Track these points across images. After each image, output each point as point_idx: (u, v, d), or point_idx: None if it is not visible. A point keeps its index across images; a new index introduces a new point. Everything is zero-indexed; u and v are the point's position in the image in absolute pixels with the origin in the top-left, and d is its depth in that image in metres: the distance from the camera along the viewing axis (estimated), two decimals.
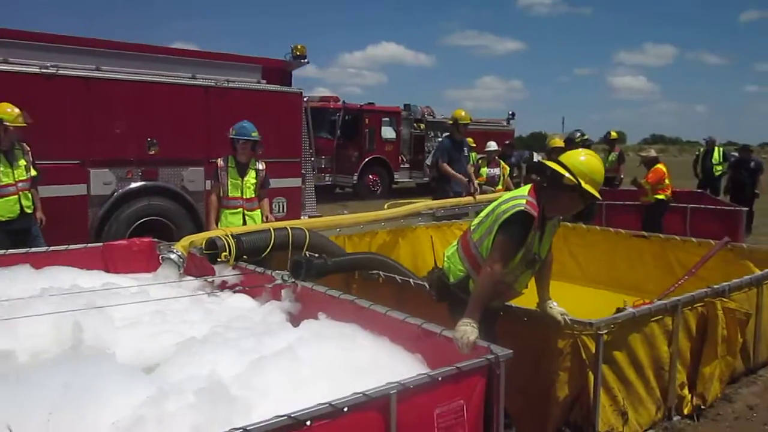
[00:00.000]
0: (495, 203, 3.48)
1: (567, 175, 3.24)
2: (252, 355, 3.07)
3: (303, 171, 8.79)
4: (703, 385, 4.20)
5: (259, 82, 8.31)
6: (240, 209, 5.94)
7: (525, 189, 3.43)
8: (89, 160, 6.98)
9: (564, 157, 3.42)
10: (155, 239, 5.82)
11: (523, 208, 3.26)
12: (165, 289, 4.41)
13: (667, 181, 9.42)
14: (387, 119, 19.06)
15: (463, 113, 9.30)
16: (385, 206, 16.10)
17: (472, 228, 3.56)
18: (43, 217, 6.22)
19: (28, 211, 6.07)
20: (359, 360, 3.07)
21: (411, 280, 4.55)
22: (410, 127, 19.83)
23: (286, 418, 2.14)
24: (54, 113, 6.65)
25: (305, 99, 8.99)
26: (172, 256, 4.97)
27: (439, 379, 2.59)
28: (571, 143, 8.45)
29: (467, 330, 3.00)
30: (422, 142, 19.94)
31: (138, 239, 5.84)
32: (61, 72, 6.73)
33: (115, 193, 7.17)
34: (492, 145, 11.01)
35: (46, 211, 6.28)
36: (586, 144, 9.71)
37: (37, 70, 6.62)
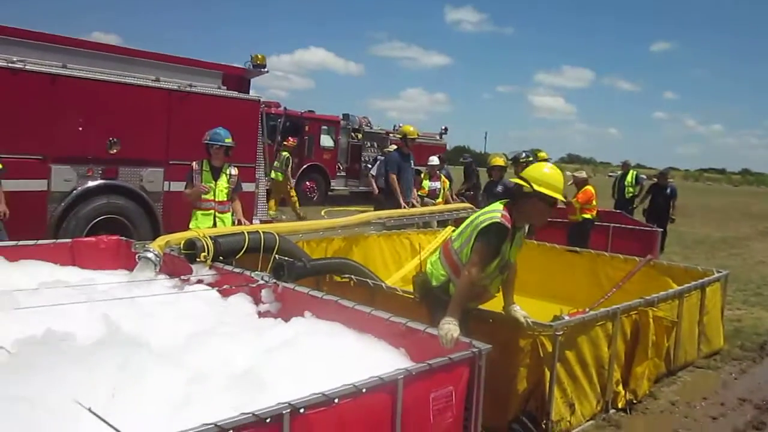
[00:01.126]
0: (474, 216, 3.97)
1: (525, 184, 3.81)
2: (257, 346, 3.42)
3: (257, 177, 9.05)
4: (635, 382, 4.83)
5: (219, 88, 8.53)
6: (212, 211, 6.24)
7: (500, 204, 3.93)
8: (51, 156, 7.03)
9: (525, 172, 4.00)
10: (122, 237, 6.00)
11: (498, 220, 3.76)
12: (152, 286, 4.62)
13: (594, 202, 10.24)
14: (326, 128, 19.43)
15: (411, 128, 9.86)
16: (323, 212, 16.51)
17: (453, 237, 4.03)
18: (6, 211, 6.27)
19: None
20: (351, 352, 3.47)
21: (383, 284, 4.97)
22: (348, 137, 20.26)
23: (320, 395, 2.52)
24: (18, 108, 6.69)
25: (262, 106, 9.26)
26: (149, 255, 5.15)
27: (435, 367, 3.02)
28: (516, 162, 9.07)
29: (450, 328, 3.44)
30: (359, 151, 20.41)
31: (106, 237, 6.00)
32: (28, 67, 6.78)
33: (75, 190, 7.24)
34: (433, 160, 11.60)
35: (7, 205, 6.33)
36: (531, 164, 10.37)
37: (4, 63, 6.64)
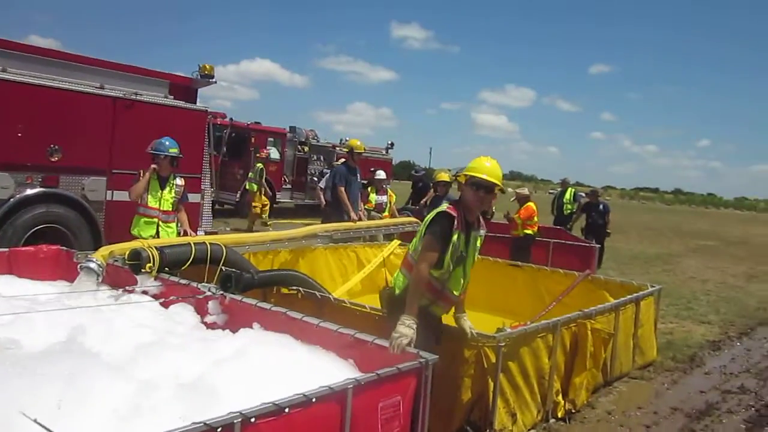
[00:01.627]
0: (426, 219, 4.07)
1: (460, 176, 4.07)
2: (206, 357, 3.40)
3: (203, 187, 8.96)
4: (573, 392, 5.00)
5: (166, 97, 8.43)
6: (155, 219, 6.22)
7: (446, 203, 4.13)
8: None
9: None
10: (63, 247, 5.87)
11: (443, 210, 3.96)
12: (96, 297, 4.54)
13: (535, 218, 10.54)
14: (272, 140, 19.32)
15: (358, 143, 9.96)
16: (268, 224, 16.36)
17: (411, 247, 4.12)
18: None
19: None
20: (300, 363, 3.49)
21: (330, 296, 5.01)
22: (294, 149, 20.21)
23: (271, 405, 2.54)
24: None
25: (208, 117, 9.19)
26: (92, 265, 5.04)
27: (384, 377, 3.08)
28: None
29: (404, 332, 3.52)
30: (305, 164, 20.38)
31: (45, 246, 5.85)
32: None
33: (12, 198, 7.02)
34: (381, 174, 11.72)
35: None
36: None
37: None
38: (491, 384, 4.16)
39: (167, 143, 6.28)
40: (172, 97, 8.51)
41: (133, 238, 5.93)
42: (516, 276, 8.04)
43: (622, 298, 6.10)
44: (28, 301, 4.14)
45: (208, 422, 2.32)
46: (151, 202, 6.21)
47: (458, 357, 4.18)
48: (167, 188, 6.27)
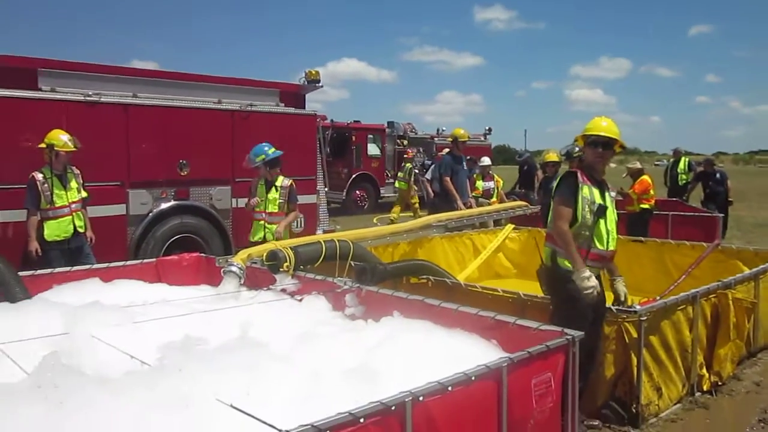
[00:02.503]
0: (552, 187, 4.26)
1: (578, 138, 4.28)
2: (358, 345, 3.61)
3: (318, 188, 9.31)
4: (718, 365, 4.87)
5: (277, 105, 8.83)
6: (262, 222, 6.66)
7: None
8: (128, 182, 7.41)
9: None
10: (202, 254, 6.32)
11: (565, 171, 4.19)
12: (243, 297, 4.87)
13: (651, 192, 10.20)
14: (372, 136, 19.70)
15: (462, 131, 10.02)
16: (374, 220, 16.74)
17: (548, 221, 4.29)
18: (92, 236, 6.62)
19: (81, 230, 6.48)
20: (446, 347, 3.63)
21: (461, 283, 5.13)
22: (394, 144, 20.49)
23: (436, 384, 2.69)
24: (97, 138, 7.07)
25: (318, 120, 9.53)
26: (233, 268, 5.40)
27: (535, 355, 3.17)
28: (570, 157, 9.14)
29: (586, 285, 3.89)
30: None
31: (187, 254, 6.31)
32: (103, 99, 7.17)
33: (151, 213, 7.59)
34: (485, 160, 11.72)
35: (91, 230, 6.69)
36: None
37: (81, 98, 7.05)
38: (634, 359, 4.15)
39: (253, 154, 6.71)
40: (283, 104, 8.89)
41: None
42: (639, 252, 7.84)
43: (762, 266, 5.84)
44: (187, 303, 4.52)
45: (383, 401, 2.49)
46: (261, 206, 6.65)
47: (601, 334, 4.18)
48: (272, 191, 6.67)
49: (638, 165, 10.58)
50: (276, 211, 6.66)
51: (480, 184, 11.47)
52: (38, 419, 2.15)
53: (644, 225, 10.08)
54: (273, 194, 6.67)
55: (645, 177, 10.17)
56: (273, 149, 6.70)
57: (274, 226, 6.62)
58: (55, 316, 3.76)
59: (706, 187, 12.96)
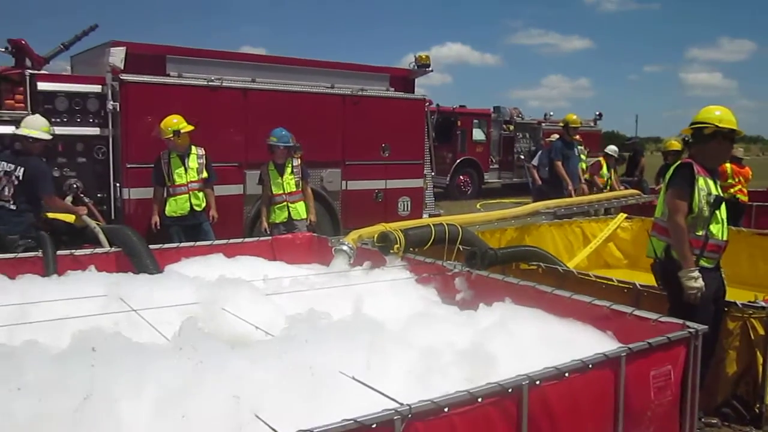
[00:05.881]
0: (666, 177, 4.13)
1: (707, 125, 4.07)
2: (470, 327, 3.65)
3: (425, 172, 9.38)
4: None
5: (387, 90, 8.95)
6: (285, 203, 7.01)
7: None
8: (245, 163, 7.77)
9: (698, 116, 4.18)
10: (314, 234, 6.54)
11: (679, 162, 4.11)
12: (357, 276, 5.01)
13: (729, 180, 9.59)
14: (477, 121, 19.56)
15: (574, 117, 9.79)
16: (477, 206, 16.69)
17: (657, 211, 4.22)
18: (215, 215, 6.99)
19: (197, 209, 6.87)
20: (560, 334, 3.60)
21: (573, 270, 5.05)
22: (500, 129, 20.26)
23: (553, 369, 2.69)
24: (218, 121, 7.46)
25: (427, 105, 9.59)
26: (344, 248, 5.57)
27: (655, 346, 3.10)
28: (687, 144, 8.75)
29: (692, 285, 3.81)
30: (512, 143, 20.34)
31: (300, 234, 6.56)
32: (224, 84, 7.54)
33: None
34: (612, 148, 11.42)
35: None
36: None
37: (204, 83, 7.44)
38: (760, 357, 3.96)
39: (284, 133, 6.94)
40: (392, 89, 9.01)
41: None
42: (764, 245, 7.40)
43: None
44: (305, 280, 4.70)
45: (500, 383, 2.53)
46: (276, 190, 6.94)
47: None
48: (286, 172, 6.95)
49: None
50: (294, 190, 7.07)
51: (604, 172, 11.19)
52: (184, 374, 2.35)
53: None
54: (289, 175, 7.02)
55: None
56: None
57: (296, 204, 7.04)
58: (186, 287, 4.04)
59: None
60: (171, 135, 6.63)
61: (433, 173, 9.86)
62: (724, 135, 4.07)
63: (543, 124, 20.34)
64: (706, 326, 3.29)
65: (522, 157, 18.92)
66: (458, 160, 18.82)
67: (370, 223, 5.82)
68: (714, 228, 4.00)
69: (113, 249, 5.37)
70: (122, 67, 6.93)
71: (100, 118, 7.02)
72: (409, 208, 9.08)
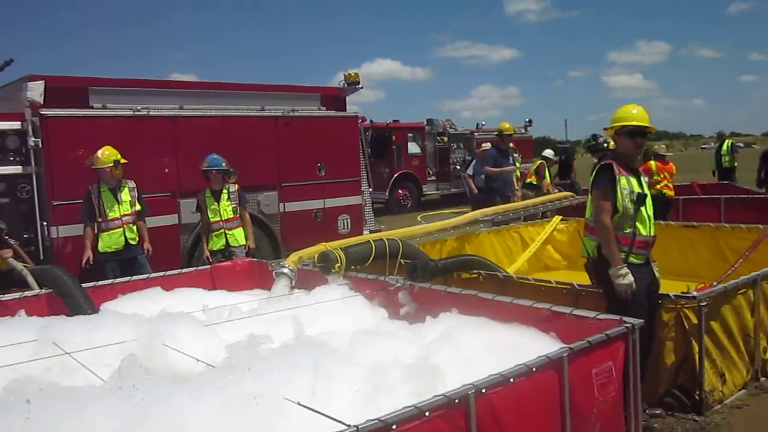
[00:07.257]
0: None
1: (608, 128, 4.31)
2: (416, 342, 3.65)
3: (362, 189, 9.38)
4: None
5: (319, 109, 8.94)
6: (222, 230, 6.98)
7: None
8: (178, 191, 7.60)
9: (613, 116, 4.36)
10: (254, 259, 6.44)
11: (599, 165, 4.24)
12: (298, 299, 4.94)
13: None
14: (412, 135, 19.74)
15: (507, 125, 10.04)
16: (418, 218, 16.79)
17: (587, 213, 4.34)
18: (149, 248, 6.80)
19: (132, 242, 6.66)
20: (504, 341, 3.65)
21: (513, 276, 5.12)
22: (434, 141, 20.50)
23: (498, 375, 2.71)
24: (147, 151, 7.28)
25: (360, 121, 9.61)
26: (285, 270, 5.48)
27: (594, 344, 3.16)
28: (595, 150, 9.35)
29: (621, 283, 3.91)
30: (447, 154, 20.60)
31: (240, 260, 6.45)
32: (152, 113, 7.38)
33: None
34: (549, 152, 11.78)
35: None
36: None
37: (131, 113, 7.26)
38: (695, 346, 4.09)
39: (216, 157, 6.93)
40: (324, 108, 9.00)
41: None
42: (692, 237, 7.70)
43: None
44: (244, 307, 4.62)
45: (447, 394, 2.53)
46: (213, 217, 6.92)
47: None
48: (223, 198, 6.94)
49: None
50: (231, 216, 7.03)
51: (546, 175, 11.59)
52: (125, 414, 2.27)
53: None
54: (225, 201, 6.99)
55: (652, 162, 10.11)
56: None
57: (234, 231, 7.00)
58: (124, 325, 3.89)
59: (761, 170, 12.65)
60: (111, 164, 6.44)
61: (370, 189, 9.87)
62: (634, 132, 4.20)
63: (476, 134, 20.70)
64: (642, 320, 3.38)
65: (458, 167, 19.15)
66: (396, 175, 18.93)
67: (311, 244, 5.76)
68: (640, 225, 4.12)
69: (44, 291, 5.15)
70: (41, 102, 6.69)
71: (21, 156, 6.75)
72: (349, 226, 9.06)
